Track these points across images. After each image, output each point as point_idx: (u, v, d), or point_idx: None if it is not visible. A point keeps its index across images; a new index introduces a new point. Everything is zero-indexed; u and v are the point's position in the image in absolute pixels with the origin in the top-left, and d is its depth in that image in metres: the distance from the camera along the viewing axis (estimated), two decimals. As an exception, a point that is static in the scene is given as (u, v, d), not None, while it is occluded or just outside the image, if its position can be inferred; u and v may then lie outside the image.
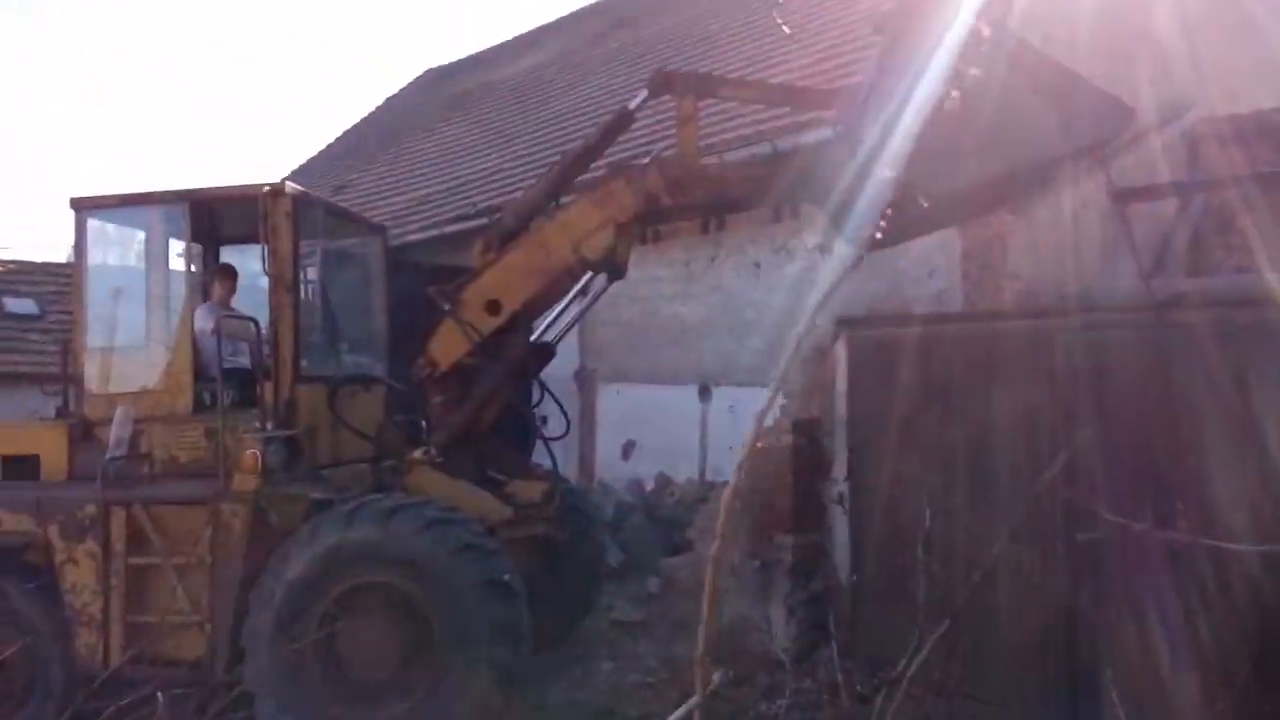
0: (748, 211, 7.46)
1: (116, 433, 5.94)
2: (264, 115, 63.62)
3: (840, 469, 6.21)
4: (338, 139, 20.62)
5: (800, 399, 6.67)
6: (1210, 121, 7.75)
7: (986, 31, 4.36)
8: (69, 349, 6.64)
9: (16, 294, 14.21)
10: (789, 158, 5.83)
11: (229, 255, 7.39)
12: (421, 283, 6.08)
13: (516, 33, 20.47)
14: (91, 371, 6.34)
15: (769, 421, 6.36)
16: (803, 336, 4.54)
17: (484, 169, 13.25)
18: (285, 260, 5.98)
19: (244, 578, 5.52)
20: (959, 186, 4.56)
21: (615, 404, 10.50)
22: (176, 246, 6.56)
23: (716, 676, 5.68)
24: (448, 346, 5.84)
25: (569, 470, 9.45)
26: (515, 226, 5.89)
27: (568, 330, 6.52)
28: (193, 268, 6.73)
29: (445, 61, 22.09)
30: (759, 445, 4.85)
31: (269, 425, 5.81)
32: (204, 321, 6.30)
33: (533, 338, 6.18)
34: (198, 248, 6.96)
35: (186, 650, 5.73)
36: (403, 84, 22.39)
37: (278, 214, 5.95)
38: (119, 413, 5.98)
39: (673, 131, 5.63)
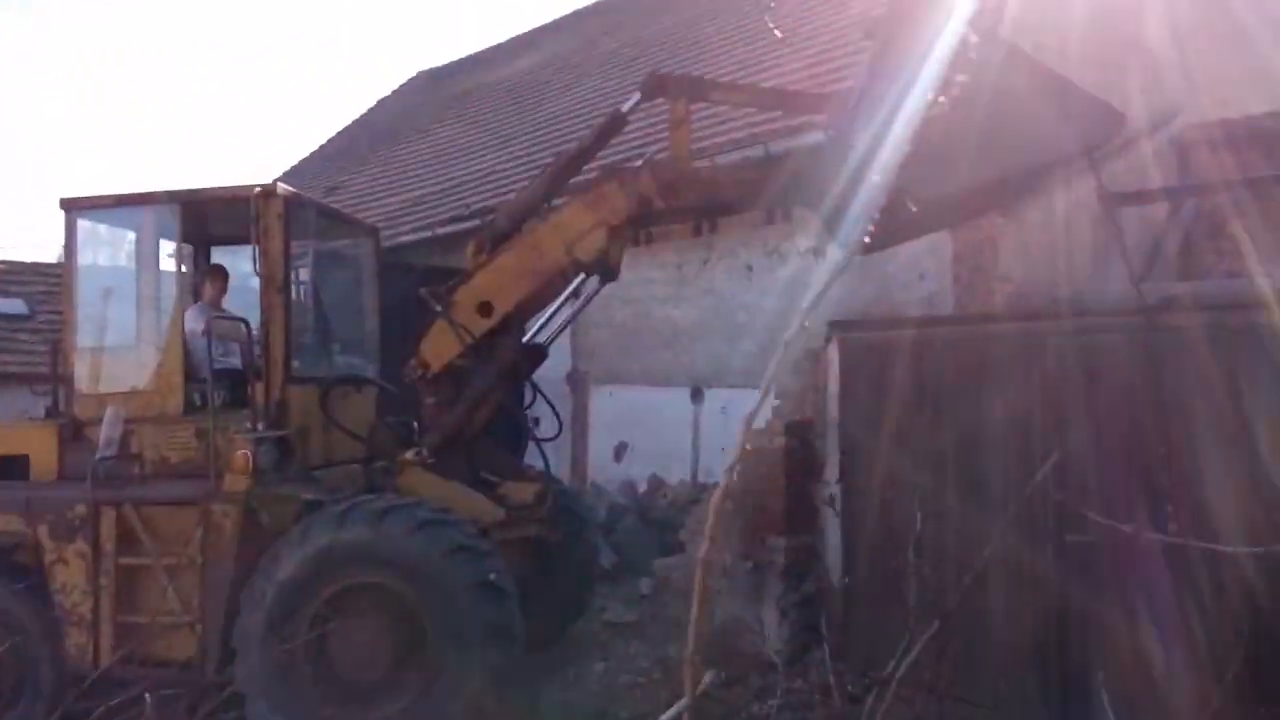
0: (740, 214, 7.47)
1: (107, 433, 5.93)
2: (256, 116, 63.52)
3: (832, 471, 6.22)
4: (330, 140, 20.59)
5: (793, 401, 6.68)
6: (1201, 127, 7.79)
7: (973, 38, 4.38)
8: (59, 349, 6.61)
9: (6, 294, 14.13)
10: (781, 161, 5.85)
11: (220, 256, 7.37)
12: (414, 284, 6.08)
13: (510, 35, 20.47)
14: (81, 372, 6.31)
15: (760, 424, 6.38)
16: (791, 340, 4.54)
17: (477, 171, 13.24)
18: (276, 261, 5.96)
19: (235, 578, 5.51)
20: (949, 191, 4.57)
21: (608, 406, 10.50)
22: (167, 247, 6.56)
23: (708, 677, 5.69)
24: (440, 348, 5.84)
25: (561, 472, 9.44)
26: (508, 228, 5.89)
27: (560, 332, 6.53)
28: (183, 268, 6.73)
29: (438, 63, 22.09)
30: (748, 448, 4.85)
31: (260, 426, 5.80)
32: (195, 322, 6.28)
33: (525, 339, 6.18)
34: (189, 248, 6.95)
35: (177, 651, 5.71)
36: (395, 85, 22.39)
37: (269, 215, 5.94)
38: (109, 413, 5.96)
39: (665, 134, 5.64)
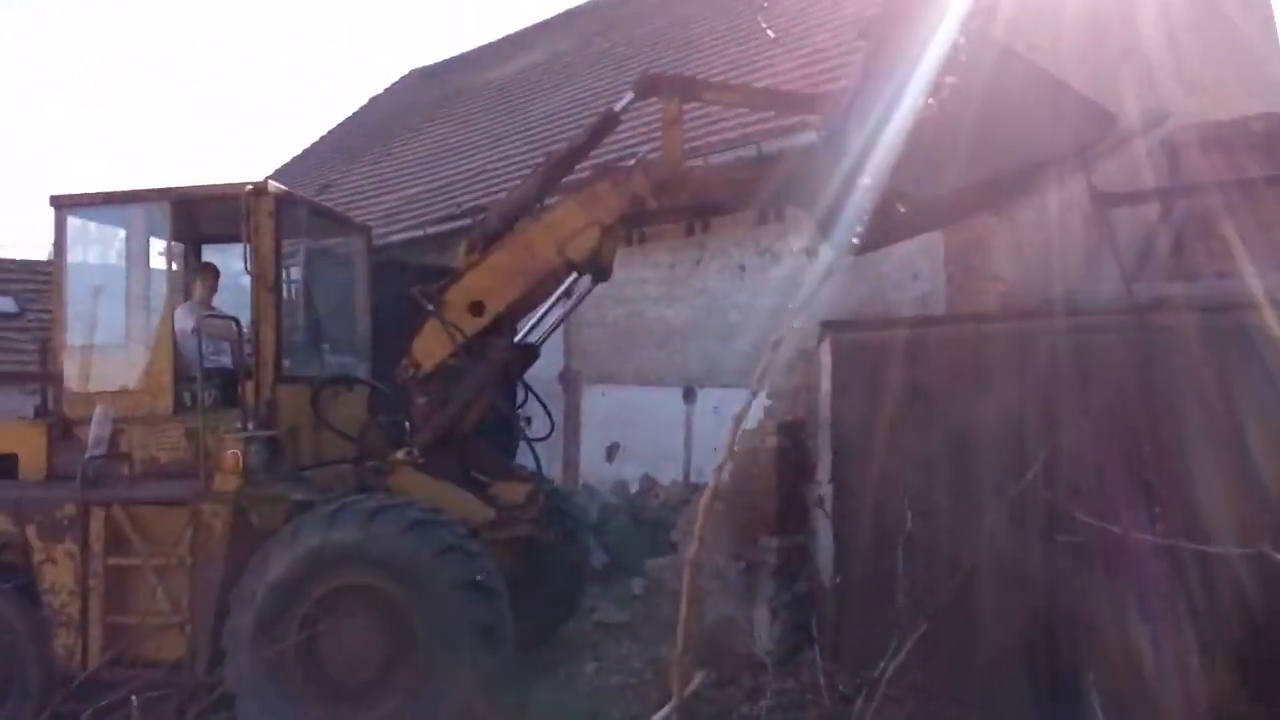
0: (733, 214, 7.47)
1: (96, 432, 5.90)
2: (248, 114, 63.34)
3: (824, 471, 6.23)
4: (322, 138, 20.52)
5: (785, 401, 6.68)
6: (1192, 128, 7.83)
7: (961, 40, 4.38)
8: (48, 347, 6.58)
9: (-4, 292, 14.09)
10: (774, 161, 5.85)
11: (211, 254, 7.34)
12: (406, 283, 6.06)
13: (502, 34, 20.44)
14: (71, 370, 6.28)
15: (752, 424, 6.38)
16: (780, 340, 4.54)
17: (469, 169, 13.22)
18: (267, 259, 5.93)
19: (225, 579, 5.48)
20: (941, 192, 4.58)
21: (600, 406, 10.49)
22: (158, 245, 6.52)
23: (699, 678, 5.70)
24: (431, 347, 5.82)
25: (553, 472, 9.44)
26: (500, 227, 5.87)
27: (552, 331, 6.52)
28: (174, 266, 6.69)
29: (431, 62, 22.04)
30: (735, 449, 4.85)
31: (250, 425, 5.77)
32: (185, 321, 6.25)
33: (517, 339, 6.17)
34: (179, 246, 6.91)
35: (166, 652, 5.67)
36: (388, 84, 22.33)
37: (260, 213, 5.92)
38: (98, 412, 5.93)
39: (658, 134, 5.64)
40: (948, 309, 6.97)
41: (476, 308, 5.74)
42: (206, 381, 5.85)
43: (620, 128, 6.15)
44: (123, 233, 6.50)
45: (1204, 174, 7.08)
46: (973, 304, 6.85)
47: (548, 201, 5.98)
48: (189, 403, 6.04)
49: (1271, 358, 4.26)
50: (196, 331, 5.89)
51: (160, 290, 6.42)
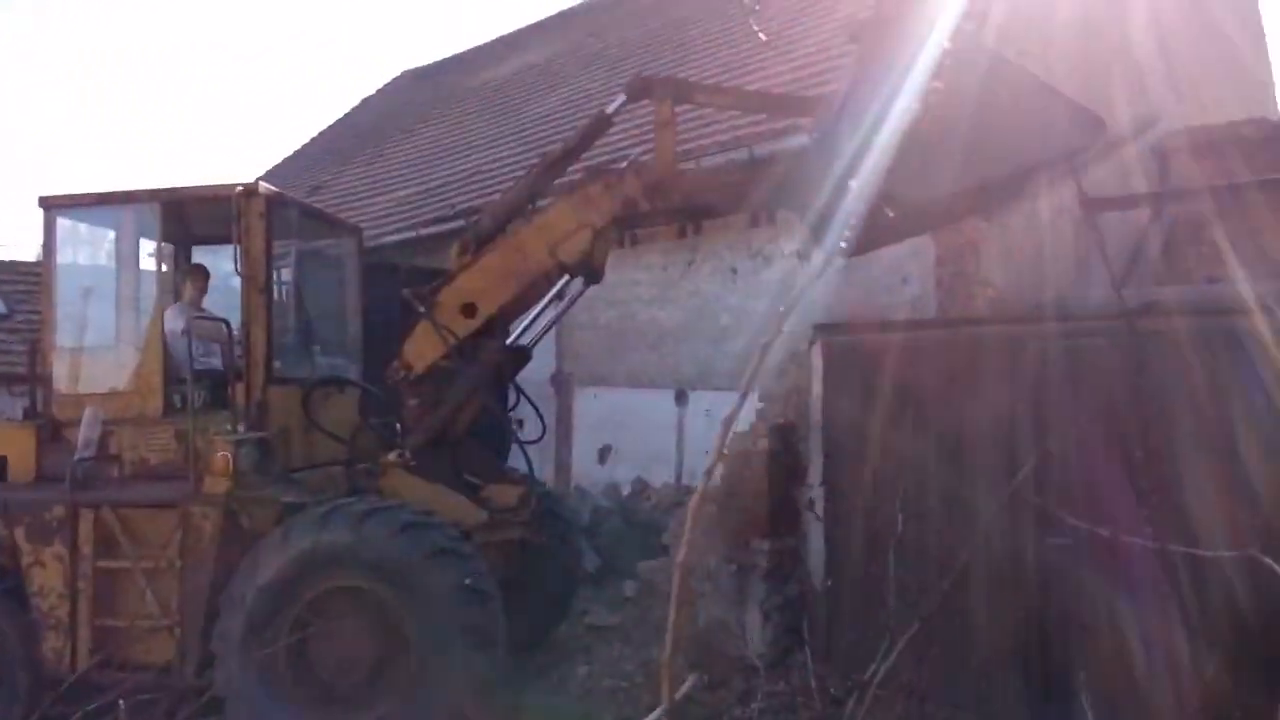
0: (724, 217, 7.47)
1: (85, 434, 5.87)
2: (240, 115, 63.18)
3: (815, 474, 6.23)
4: (313, 139, 20.48)
5: (777, 404, 6.69)
6: (1182, 133, 7.87)
7: (948, 45, 4.39)
8: (37, 349, 6.54)
9: (-17, 293, 13.99)
10: (766, 164, 5.84)
11: (201, 256, 7.32)
12: (397, 285, 6.05)
13: (495, 35, 20.42)
14: (60, 372, 6.25)
15: (743, 427, 6.38)
16: (769, 342, 4.54)
17: (461, 171, 13.21)
18: (258, 261, 5.92)
19: (214, 581, 5.46)
20: (932, 196, 4.59)
21: (592, 408, 10.48)
22: (147, 246, 6.50)
23: (690, 680, 5.69)
24: (423, 349, 5.81)
25: (545, 474, 9.42)
26: (492, 229, 5.87)
27: (544, 334, 6.50)
28: (164, 268, 6.67)
29: (423, 63, 22.01)
30: (726, 451, 4.85)
31: (240, 427, 5.76)
32: (175, 322, 6.23)
33: (509, 341, 6.16)
34: (169, 248, 6.89)
35: (155, 654, 5.65)
36: (380, 85, 22.30)
37: (251, 214, 5.90)
38: (87, 414, 5.91)
39: (650, 136, 5.63)
40: (938, 313, 6.99)
41: (468, 309, 5.73)
42: (196, 383, 5.84)
43: (613, 130, 6.16)
44: (112, 234, 6.48)
45: (1194, 179, 7.12)
46: (963, 308, 6.87)
47: (540, 203, 5.97)
48: (179, 404, 6.01)
49: (1262, 362, 4.28)
50: (186, 333, 5.86)
51: (150, 291, 6.40)
